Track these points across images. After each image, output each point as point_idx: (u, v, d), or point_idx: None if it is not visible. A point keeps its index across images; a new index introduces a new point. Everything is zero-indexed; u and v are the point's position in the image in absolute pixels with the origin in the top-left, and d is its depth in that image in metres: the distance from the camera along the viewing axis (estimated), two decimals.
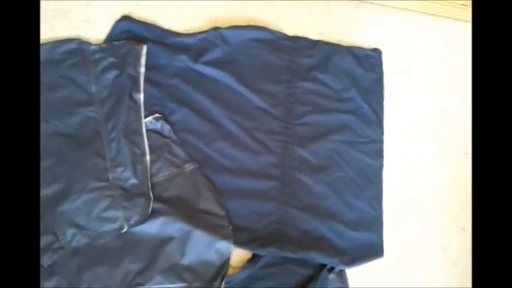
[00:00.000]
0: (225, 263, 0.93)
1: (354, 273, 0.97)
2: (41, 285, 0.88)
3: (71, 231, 0.90)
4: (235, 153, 1.00)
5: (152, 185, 0.95)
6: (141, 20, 1.08)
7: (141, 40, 1.05)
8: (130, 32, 1.07)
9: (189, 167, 0.99)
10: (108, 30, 1.07)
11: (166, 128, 1.00)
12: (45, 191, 0.91)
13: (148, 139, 0.98)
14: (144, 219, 0.92)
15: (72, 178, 0.93)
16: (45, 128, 0.95)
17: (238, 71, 1.05)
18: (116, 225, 0.92)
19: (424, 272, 1.04)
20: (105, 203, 0.92)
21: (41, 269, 0.88)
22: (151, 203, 0.93)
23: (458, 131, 1.14)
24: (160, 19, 1.10)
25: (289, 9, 1.15)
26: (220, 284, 0.91)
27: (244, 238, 0.94)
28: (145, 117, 0.99)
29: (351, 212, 0.99)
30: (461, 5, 1.19)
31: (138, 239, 0.92)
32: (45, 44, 1.01)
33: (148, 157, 0.96)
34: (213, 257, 0.92)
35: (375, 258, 0.97)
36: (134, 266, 0.90)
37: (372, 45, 1.14)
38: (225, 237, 0.93)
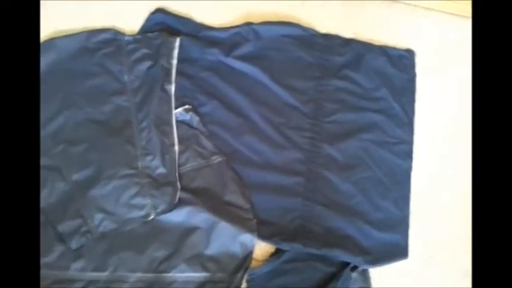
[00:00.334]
0: (249, 255, 0.93)
1: (377, 274, 0.96)
2: (69, 267, 0.90)
3: (99, 216, 0.92)
4: (262, 148, 1.01)
5: (180, 175, 0.96)
6: (174, 13, 1.10)
7: (175, 33, 1.06)
8: (164, 25, 1.08)
9: (216, 159, 1.00)
10: (142, 22, 1.09)
11: (196, 120, 1.01)
12: (76, 176, 0.93)
13: (178, 130, 0.99)
14: (171, 208, 0.94)
15: (103, 164, 0.95)
16: (78, 114, 0.98)
17: (269, 67, 1.06)
18: (143, 213, 0.93)
19: (450, 276, 1.02)
20: (133, 190, 0.94)
21: (69, 251, 0.90)
22: (178, 193, 0.94)
23: None
24: (193, 13, 1.11)
25: (322, 7, 1.15)
26: (243, 275, 0.92)
27: (268, 232, 0.95)
28: (176, 108, 1.00)
29: (376, 211, 0.98)
30: None
31: (164, 227, 0.94)
32: (80, 32, 1.04)
33: (177, 147, 0.98)
34: (236, 249, 0.93)
35: (399, 260, 0.96)
36: (159, 253, 0.92)
37: (405, 46, 1.13)
38: (249, 230, 0.94)
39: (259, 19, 1.10)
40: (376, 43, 1.12)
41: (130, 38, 1.04)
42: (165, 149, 0.97)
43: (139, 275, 0.91)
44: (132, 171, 0.95)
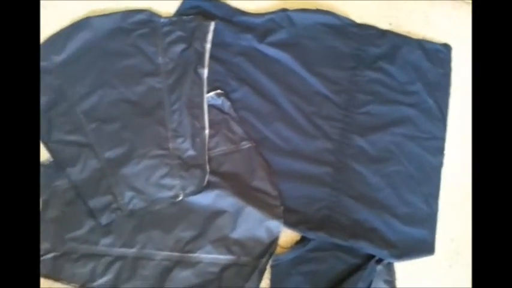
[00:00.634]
0: (274, 241, 0.94)
1: (401, 268, 0.96)
2: (98, 242, 0.92)
3: (129, 194, 0.94)
4: (292, 136, 1.01)
5: (209, 159, 0.97)
6: None
7: (209, 16, 1.06)
8: (199, 8, 1.09)
9: (246, 144, 1.00)
10: (178, 4, 1.09)
11: (227, 105, 1.02)
12: (108, 154, 0.95)
13: (209, 114, 1.00)
14: (199, 190, 0.95)
15: (135, 143, 0.96)
16: (111, 93, 0.99)
17: (302, 54, 1.05)
18: (171, 193, 0.95)
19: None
20: (163, 170, 0.95)
21: (99, 226, 0.93)
22: (207, 176, 0.95)
23: None
24: None
25: None
26: (268, 261, 0.93)
27: (294, 220, 0.95)
28: (208, 92, 1.01)
29: (404, 206, 0.97)
30: None
31: (191, 208, 0.95)
32: (116, 13, 1.05)
33: (207, 131, 0.99)
34: (262, 234, 0.94)
35: (425, 255, 0.95)
36: (186, 234, 0.93)
37: (442, 41, 1.10)
38: (275, 216, 0.95)
39: (295, 6, 1.09)
40: (413, 36, 1.10)
41: (166, 20, 1.05)
42: (196, 132, 0.98)
43: (165, 253, 0.92)
44: (162, 152, 0.96)
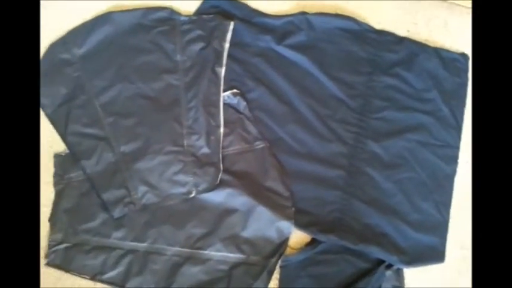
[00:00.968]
0: (284, 242, 0.95)
1: (411, 274, 0.96)
2: (110, 235, 0.93)
3: (142, 189, 0.95)
4: (306, 138, 1.01)
5: (222, 157, 0.98)
6: None
7: (229, 16, 1.07)
8: (219, 8, 1.09)
9: (260, 144, 1.01)
10: (198, 3, 1.10)
11: (243, 105, 1.03)
12: (124, 148, 0.96)
13: (224, 113, 1.00)
14: (212, 187, 0.96)
15: (150, 139, 0.97)
16: (129, 88, 1.01)
17: (320, 58, 1.06)
18: (184, 189, 0.96)
19: None
20: (177, 166, 0.96)
21: (111, 219, 0.94)
22: (220, 174, 0.96)
23: None
24: None
25: (379, 4, 1.14)
26: (277, 261, 0.93)
27: (305, 221, 0.96)
28: (224, 91, 1.02)
29: (416, 212, 0.97)
30: None
31: (203, 205, 0.96)
32: (137, 9, 1.06)
33: (222, 130, 0.99)
34: (273, 234, 0.94)
35: (435, 263, 0.95)
36: (197, 230, 0.94)
37: (460, 50, 1.10)
38: (286, 217, 0.95)
39: (314, 9, 1.10)
40: (431, 44, 1.10)
41: (186, 18, 1.06)
42: (211, 130, 0.99)
43: (176, 249, 0.93)
44: (177, 149, 0.97)
